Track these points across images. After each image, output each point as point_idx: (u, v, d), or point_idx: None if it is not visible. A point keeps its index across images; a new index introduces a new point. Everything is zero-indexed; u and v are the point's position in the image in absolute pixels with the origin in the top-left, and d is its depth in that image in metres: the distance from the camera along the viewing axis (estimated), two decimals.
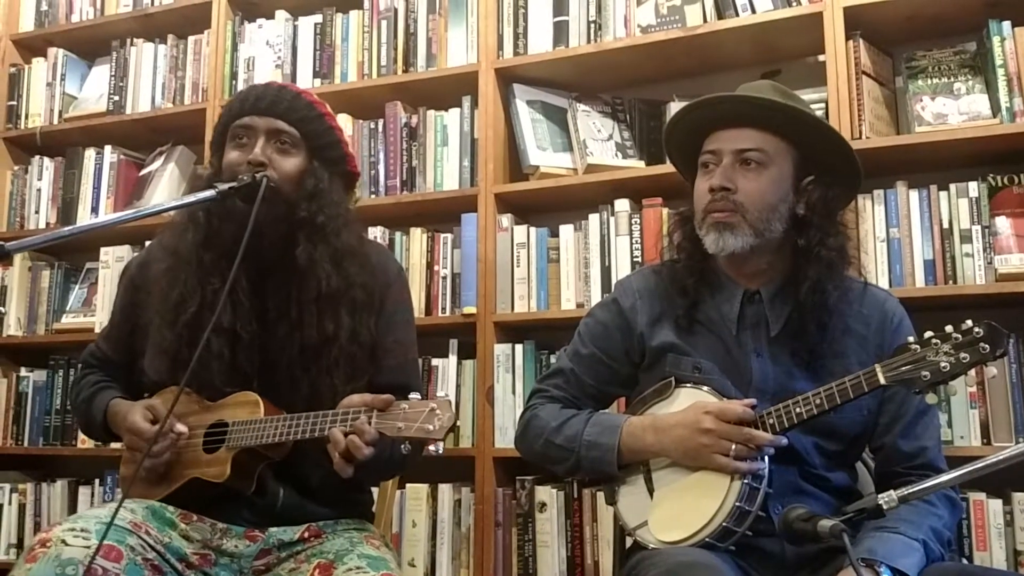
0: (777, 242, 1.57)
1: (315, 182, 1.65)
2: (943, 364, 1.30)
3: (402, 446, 1.45)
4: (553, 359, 2.38)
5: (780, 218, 1.54)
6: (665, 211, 2.33)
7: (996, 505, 1.99)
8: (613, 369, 1.69)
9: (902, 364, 1.34)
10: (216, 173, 1.66)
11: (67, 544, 1.38)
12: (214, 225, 1.63)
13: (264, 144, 1.62)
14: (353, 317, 1.63)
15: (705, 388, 1.54)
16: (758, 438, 1.43)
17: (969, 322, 1.31)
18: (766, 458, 1.45)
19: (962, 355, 1.30)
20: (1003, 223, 2.08)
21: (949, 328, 1.32)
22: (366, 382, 1.61)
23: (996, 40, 2.12)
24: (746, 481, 1.43)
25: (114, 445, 2.37)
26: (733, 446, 1.43)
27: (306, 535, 1.61)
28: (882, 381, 1.36)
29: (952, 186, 2.13)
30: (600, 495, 2.21)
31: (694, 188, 1.62)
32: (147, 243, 2.74)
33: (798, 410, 1.42)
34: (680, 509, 1.49)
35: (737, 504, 1.42)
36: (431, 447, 1.47)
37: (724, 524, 1.42)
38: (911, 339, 1.35)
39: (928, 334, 1.34)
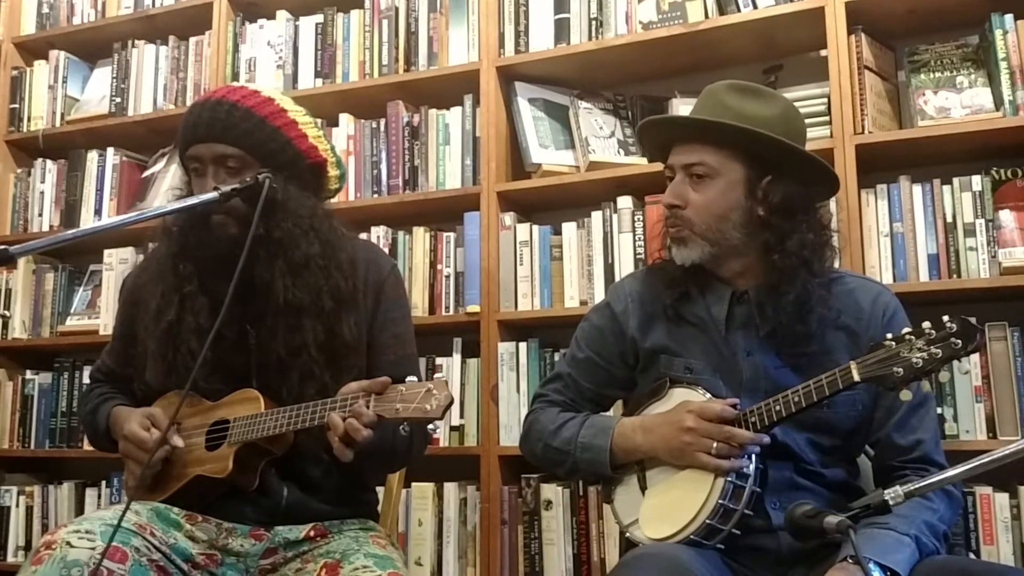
0: (745, 245, 1.57)
1: (268, 197, 1.57)
2: (915, 360, 1.30)
3: (401, 427, 1.45)
4: (557, 357, 2.39)
5: (734, 225, 1.55)
6: None
7: (1003, 499, 1.99)
8: (609, 372, 1.70)
9: (876, 361, 1.34)
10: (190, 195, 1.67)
11: (72, 546, 1.38)
12: (186, 235, 1.64)
13: (214, 173, 1.61)
14: (323, 323, 1.61)
15: (699, 388, 1.54)
16: (739, 436, 1.44)
17: (945, 317, 1.30)
18: (753, 456, 1.45)
19: (934, 350, 1.29)
20: (1007, 216, 2.07)
21: (926, 324, 1.32)
22: (355, 377, 1.59)
23: (998, 33, 2.12)
24: (729, 479, 1.43)
25: None
26: (714, 444, 1.44)
27: (312, 534, 1.61)
28: (856, 378, 1.36)
29: (955, 180, 2.13)
30: None
31: None
32: (148, 252, 2.77)
33: (778, 408, 1.43)
34: (667, 507, 1.50)
35: (720, 502, 1.43)
36: (430, 427, 1.48)
37: (708, 522, 1.43)
38: (889, 336, 1.35)
39: (905, 330, 1.34)
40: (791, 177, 1.55)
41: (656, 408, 1.58)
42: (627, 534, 1.57)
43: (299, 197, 1.64)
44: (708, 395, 1.52)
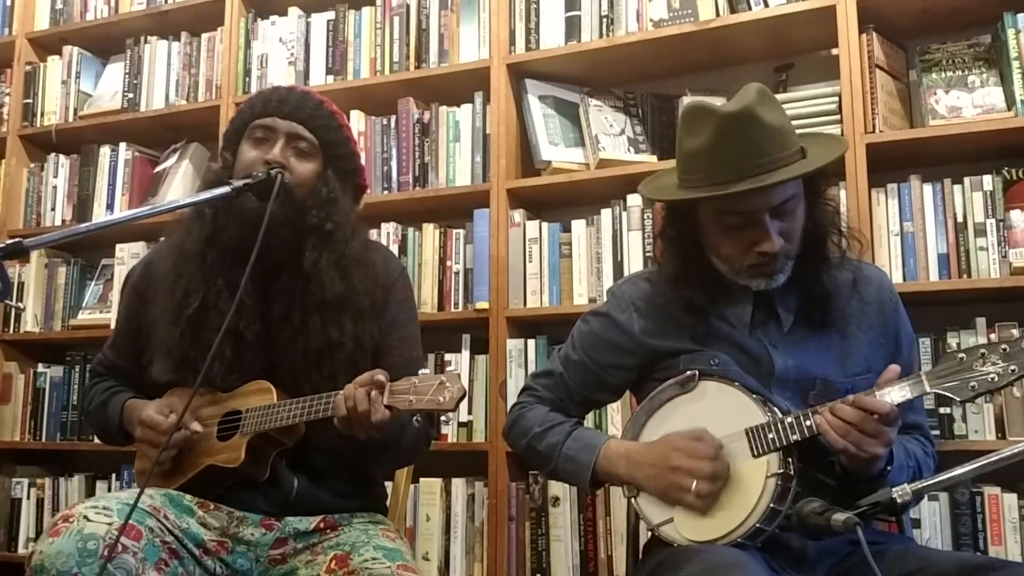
0: None
1: (328, 190, 1.67)
2: (991, 376, 1.30)
3: (414, 419, 1.46)
4: None
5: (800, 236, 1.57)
6: None
7: (1011, 499, 1.98)
8: (600, 378, 1.69)
9: (948, 373, 1.34)
10: (228, 169, 1.68)
11: (89, 520, 1.40)
12: (220, 222, 1.65)
13: (283, 146, 1.65)
14: (356, 324, 1.64)
15: (731, 383, 1.51)
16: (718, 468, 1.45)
17: (1015, 332, 1.30)
18: (794, 454, 1.44)
19: (1011, 367, 1.29)
20: (1018, 216, 2.06)
21: (994, 337, 1.32)
22: None
23: (1011, 32, 2.11)
24: (778, 481, 1.42)
25: None
26: (695, 483, 1.44)
27: (321, 525, 1.63)
28: (927, 389, 1.36)
29: (966, 180, 2.12)
30: (613, 489, 2.22)
31: (715, 236, 1.56)
32: (154, 245, 2.78)
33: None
34: (708, 508, 1.48)
35: (771, 505, 1.41)
36: (442, 418, 1.49)
37: (757, 524, 1.42)
38: (956, 348, 1.35)
39: (973, 343, 1.34)
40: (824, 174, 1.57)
41: (686, 404, 1.54)
42: (657, 533, 1.53)
43: (349, 202, 1.73)
44: (737, 384, 1.51)
